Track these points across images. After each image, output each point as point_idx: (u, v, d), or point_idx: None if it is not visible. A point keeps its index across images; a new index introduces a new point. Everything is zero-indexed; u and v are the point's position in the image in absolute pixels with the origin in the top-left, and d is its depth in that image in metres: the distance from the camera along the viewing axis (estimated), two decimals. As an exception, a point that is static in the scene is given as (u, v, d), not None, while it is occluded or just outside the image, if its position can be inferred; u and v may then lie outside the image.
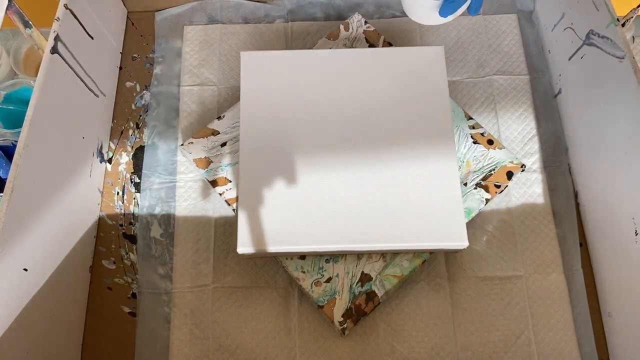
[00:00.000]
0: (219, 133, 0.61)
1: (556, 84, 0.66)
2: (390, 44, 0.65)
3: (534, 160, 0.62)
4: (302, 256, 0.55)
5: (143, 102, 0.68)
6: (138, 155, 0.65)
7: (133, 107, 0.68)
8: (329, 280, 0.54)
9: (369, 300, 0.54)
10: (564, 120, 0.64)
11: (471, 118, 0.61)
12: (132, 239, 0.61)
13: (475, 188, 0.58)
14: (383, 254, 0.55)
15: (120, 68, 0.70)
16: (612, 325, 0.55)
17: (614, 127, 0.53)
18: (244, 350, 0.55)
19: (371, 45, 0.65)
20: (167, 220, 0.60)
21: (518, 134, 0.63)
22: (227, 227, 0.60)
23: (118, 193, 0.63)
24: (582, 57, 0.59)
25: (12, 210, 0.44)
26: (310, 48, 0.67)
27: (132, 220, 0.62)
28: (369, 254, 0.55)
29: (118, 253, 0.60)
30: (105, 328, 0.57)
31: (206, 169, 0.59)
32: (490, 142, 0.60)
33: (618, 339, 0.54)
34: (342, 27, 0.66)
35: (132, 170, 0.64)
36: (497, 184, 0.58)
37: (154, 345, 0.55)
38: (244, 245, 0.52)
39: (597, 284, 0.58)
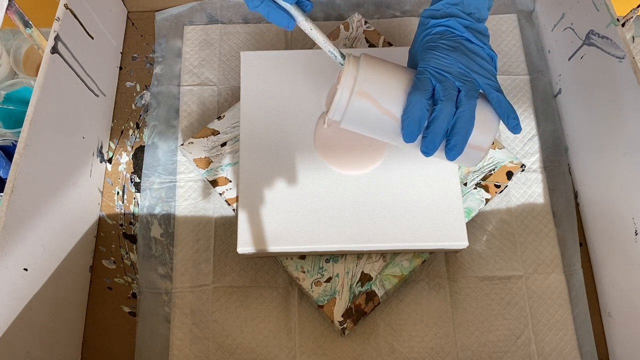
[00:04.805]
0: (219, 133, 0.61)
1: (556, 84, 0.66)
2: (390, 44, 0.65)
3: (533, 160, 0.62)
4: (302, 256, 0.55)
5: (143, 102, 0.68)
6: (138, 155, 0.65)
7: (133, 107, 0.68)
8: (329, 280, 0.54)
9: (369, 300, 0.54)
10: (564, 120, 0.64)
11: (471, 118, 0.61)
12: (132, 238, 0.61)
13: (475, 188, 0.58)
14: (383, 254, 0.55)
15: (120, 68, 0.70)
16: (612, 325, 0.55)
17: (614, 127, 0.53)
18: (244, 350, 0.55)
19: (371, 45, 0.65)
20: (167, 220, 0.60)
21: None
22: (227, 227, 0.60)
23: (118, 193, 0.63)
24: (582, 57, 0.59)
25: (12, 210, 0.44)
26: (310, 48, 0.67)
27: (132, 220, 0.62)
28: (369, 254, 0.55)
29: (118, 253, 0.60)
30: (105, 328, 0.57)
31: (206, 169, 0.59)
32: (490, 142, 0.60)
33: (618, 339, 0.54)
34: (342, 27, 0.66)
35: (132, 170, 0.64)
36: (497, 184, 0.58)
37: (154, 345, 0.55)
38: (244, 245, 0.52)
39: (597, 284, 0.58)
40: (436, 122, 0.40)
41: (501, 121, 0.43)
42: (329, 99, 0.47)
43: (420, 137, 0.42)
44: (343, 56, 0.44)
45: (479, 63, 0.42)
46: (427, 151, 0.41)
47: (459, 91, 0.41)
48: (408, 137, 0.41)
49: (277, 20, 0.41)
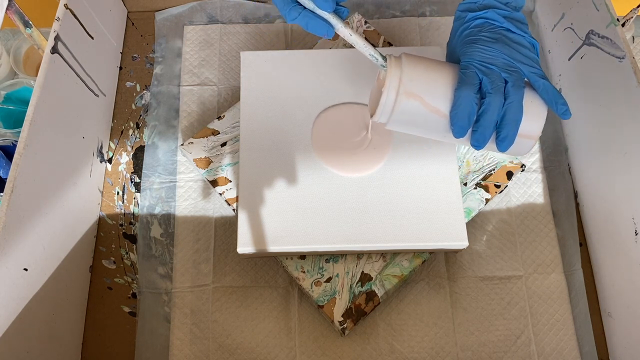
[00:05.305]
0: (219, 133, 0.61)
1: (556, 84, 0.66)
2: (390, 44, 0.65)
3: (533, 160, 0.62)
4: (302, 256, 0.55)
5: (143, 102, 0.68)
6: (138, 155, 0.65)
7: (133, 107, 0.68)
8: (329, 280, 0.54)
9: (369, 300, 0.54)
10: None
11: (471, 118, 0.61)
12: (132, 238, 0.61)
13: (475, 188, 0.58)
14: (383, 254, 0.55)
15: (120, 68, 0.70)
16: (612, 325, 0.55)
17: (613, 127, 0.53)
18: (244, 350, 0.55)
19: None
20: (167, 220, 0.60)
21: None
22: (227, 227, 0.60)
23: (118, 193, 0.63)
24: (582, 57, 0.59)
25: (12, 210, 0.44)
26: (310, 48, 0.67)
27: (132, 220, 0.62)
28: (369, 254, 0.55)
29: (118, 253, 0.60)
30: (105, 328, 0.57)
31: (206, 169, 0.59)
32: (490, 142, 0.60)
33: (618, 339, 0.54)
34: (342, 27, 0.66)
35: (132, 170, 0.64)
36: (497, 184, 0.58)
37: (154, 345, 0.55)
38: (244, 245, 0.52)
39: (597, 284, 0.58)
40: (486, 115, 0.40)
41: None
42: (372, 103, 0.47)
43: (470, 131, 0.42)
44: (384, 58, 0.44)
45: (522, 52, 0.43)
46: (478, 144, 0.42)
47: (506, 82, 0.41)
48: (458, 133, 0.41)
49: (316, 30, 0.41)
